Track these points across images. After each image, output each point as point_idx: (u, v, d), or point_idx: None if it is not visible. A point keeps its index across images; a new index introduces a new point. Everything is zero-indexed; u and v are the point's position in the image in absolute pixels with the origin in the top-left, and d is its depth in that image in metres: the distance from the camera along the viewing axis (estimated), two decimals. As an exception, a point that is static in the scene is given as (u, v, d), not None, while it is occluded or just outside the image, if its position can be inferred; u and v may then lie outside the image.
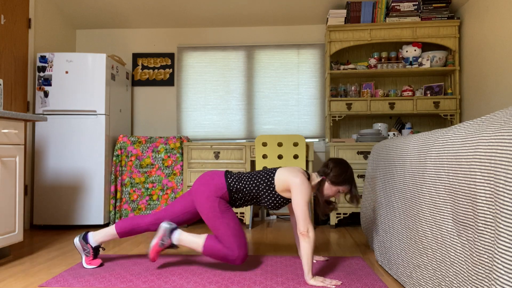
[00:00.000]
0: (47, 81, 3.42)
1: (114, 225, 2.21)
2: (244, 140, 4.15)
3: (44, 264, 2.28)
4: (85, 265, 2.16)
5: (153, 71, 4.24)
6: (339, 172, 2.06)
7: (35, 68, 3.49)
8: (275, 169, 2.12)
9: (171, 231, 2.08)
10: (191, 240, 2.05)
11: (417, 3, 3.66)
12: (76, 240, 2.19)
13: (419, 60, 3.70)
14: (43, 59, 3.43)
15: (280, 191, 2.06)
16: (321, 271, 2.10)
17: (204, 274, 2.04)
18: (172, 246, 2.10)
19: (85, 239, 2.19)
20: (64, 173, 3.38)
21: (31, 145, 3.46)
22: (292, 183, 1.99)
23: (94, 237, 2.19)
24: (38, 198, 3.37)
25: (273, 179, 2.07)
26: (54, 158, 3.38)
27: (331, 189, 2.09)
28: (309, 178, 2.08)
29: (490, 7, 3.12)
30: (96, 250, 2.20)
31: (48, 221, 3.37)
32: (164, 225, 2.09)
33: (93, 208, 3.38)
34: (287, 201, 2.10)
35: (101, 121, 3.42)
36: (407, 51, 3.72)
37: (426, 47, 3.92)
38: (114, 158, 3.52)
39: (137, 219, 2.20)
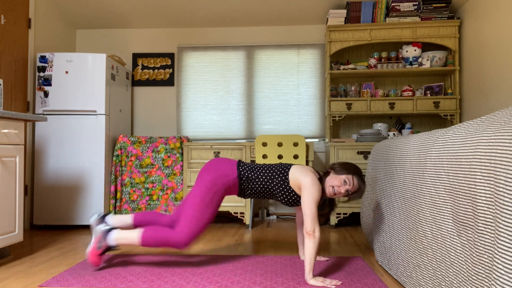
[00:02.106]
0: (47, 81, 3.42)
1: (140, 237, 2.05)
2: (244, 140, 4.15)
3: (44, 264, 2.28)
4: (89, 253, 2.06)
5: (153, 71, 4.24)
6: (345, 164, 2.07)
7: (35, 68, 3.49)
8: (289, 165, 2.13)
9: (106, 232, 2.04)
10: (128, 236, 2.03)
11: (417, 3, 3.66)
12: (99, 228, 2.09)
13: (419, 60, 3.70)
14: (43, 59, 3.43)
15: (294, 188, 2.07)
16: (321, 271, 2.10)
17: (204, 274, 2.04)
18: (111, 247, 2.04)
19: (106, 233, 2.09)
20: (64, 173, 3.38)
21: (31, 145, 3.46)
22: (303, 182, 2.00)
23: (117, 240, 2.07)
24: (38, 198, 3.37)
25: (288, 174, 2.08)
26: (54, 158, 3.38)
27: (336, 179, 2.03)
28: (319, 177, 2.08)
29: (490, 7, 3.12)
30: (109, 248, 2.10)
31: (48, 221, 3.37)
32: (99, 228, 2.07)
33: (93, 208, 3.38)
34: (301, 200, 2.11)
35: (101, 121, 3.41)
36: (407, 51, 3.72)
37: (426, 47, 3.91)
38: (114, 158, 3.52)
39: (161, 231, 2.09)
